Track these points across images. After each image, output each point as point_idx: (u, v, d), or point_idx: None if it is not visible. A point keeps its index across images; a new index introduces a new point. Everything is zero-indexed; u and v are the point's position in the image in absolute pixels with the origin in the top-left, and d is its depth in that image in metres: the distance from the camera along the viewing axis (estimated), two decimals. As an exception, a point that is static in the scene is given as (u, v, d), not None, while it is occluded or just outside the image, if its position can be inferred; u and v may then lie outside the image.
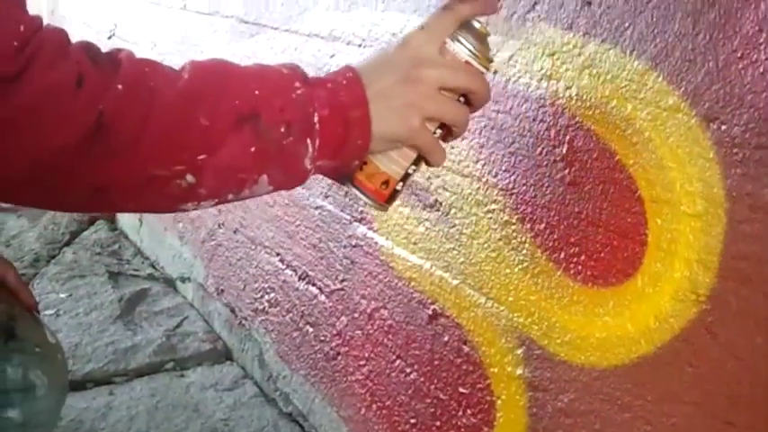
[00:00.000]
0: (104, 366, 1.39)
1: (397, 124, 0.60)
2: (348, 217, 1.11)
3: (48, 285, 1.71)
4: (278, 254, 1.31)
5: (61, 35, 0.53)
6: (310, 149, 0.57)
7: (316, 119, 0.57)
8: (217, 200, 0.58)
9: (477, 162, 0.87)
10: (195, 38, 1.74)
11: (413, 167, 0.63)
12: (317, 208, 1.20)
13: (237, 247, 1.46)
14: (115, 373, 1.38)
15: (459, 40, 0.61)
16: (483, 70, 0.62)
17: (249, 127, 0.55)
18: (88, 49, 0.53)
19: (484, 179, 0.86)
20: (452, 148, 0.91)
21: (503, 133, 0.84)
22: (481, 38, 0.62)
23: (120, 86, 0.52)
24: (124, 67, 0.53)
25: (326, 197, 1.17)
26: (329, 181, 1.17)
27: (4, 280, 0.91)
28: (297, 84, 0.58)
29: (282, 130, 0.56)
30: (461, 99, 0.62)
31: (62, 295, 1.66)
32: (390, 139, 0.61)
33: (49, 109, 0.50)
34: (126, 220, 2.15)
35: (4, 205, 2.44)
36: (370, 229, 1.06)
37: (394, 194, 0.63)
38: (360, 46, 1.10)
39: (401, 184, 0.63)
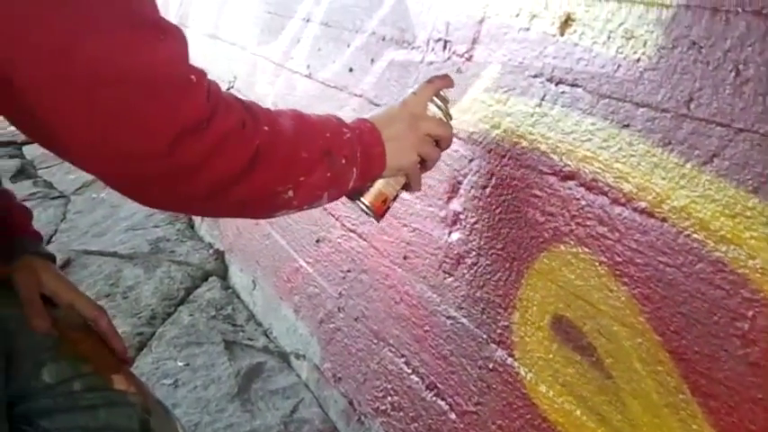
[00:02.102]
0: (224, 453, 1.45)
1: (402, 158, 0.92)
2: (485, 336, 1.11)
3: (165, 350, 1.81)
4: (403, 355, 1.32)
5: (219, 86, 0.72)
6: (354, 175, 0.87)
7: (358, 154, 0.86)
8: (297, 210, 0.83)
9: (640, 314, 0.86)
10: (321, 109, 1.78)
11: (401, 190, 0.98)
12: (449, 317, 1.20)
13: (358, 336, 1.49)
14: (234, 460, 1.44)
15: (435, 103, 0.98)
16: (447, 123, 0.98)
17: (327, 159, 0.82)
18: (237, 98, 0.75)
19: (648, 335, 0.84)
20: (611, 291, 0.90)
21: (672, 290, 0.82)
22: (446, 102, 0.99)
23: (266, 128, 0.75)
24: (261, 113, 0.77)
25: (460, 308, 1.18)
26: (463, 292, 1.18)
27: (96, 325, 0.97)
28: (345, 129, 0.87)
29: (343, 161, 0.84)
30: (434, 142, 0.96)
31: (180, 363, 1.74)
32: (396, 168, 0.93)
33: (227, 145, 0.70)
34: (239, 279, 2.24)
35: (121, 252, 2.60)
36: (510, 355, 1.06)
37: (387, 210, 0.98)
38: (503, 157, 1.11)
39: (392, 202, 0.98)
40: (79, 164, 0.69)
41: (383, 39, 1.54)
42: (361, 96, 1.61)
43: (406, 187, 0.98)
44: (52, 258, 1.05)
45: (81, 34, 0.60)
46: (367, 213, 0.96)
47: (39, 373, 0.90)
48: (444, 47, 1.31)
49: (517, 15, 1.12)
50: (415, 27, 1.42)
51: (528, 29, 1.10)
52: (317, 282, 1.71)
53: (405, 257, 1.36)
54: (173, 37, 0.67)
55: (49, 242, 2.63)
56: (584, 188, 0.96)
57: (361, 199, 0.95)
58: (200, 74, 0.69)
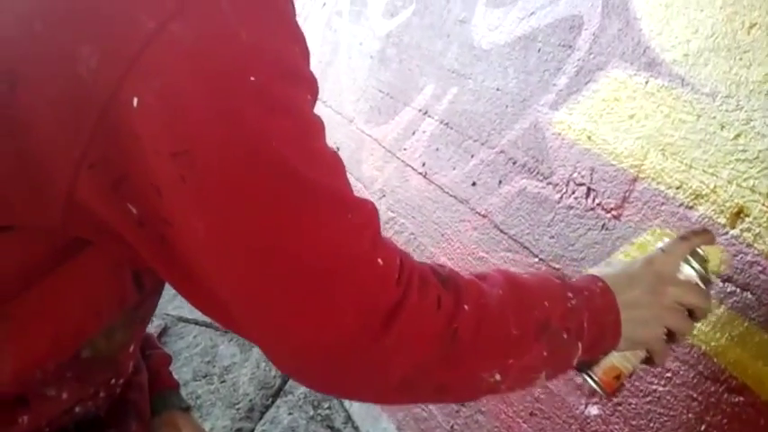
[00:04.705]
0: None
1: (643, 331, 0.79)
2: None
3: (266, 457, 1.85)
4: None
5: (410, 256, 0.66)
6: (579, 350, 0.75)
7: (585, 324, 0.74)
8: (507, 392, 0.75)
9: None
10: (436, 216, 1.80)
11: (640, 365, 0.84)
12: (583, 499, 1.18)
13: (473, 481, 1.49)
14: None
15: (690, 264, 0.83)
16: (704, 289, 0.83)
17: (544, 334, 0.71)
18: (434, 270, 0.67)
19: None
20: None
21: None
22: (704, 263, 0.84)
23: (466, 307, 0.66)
24: (462, 285, 0.68)
25: (597, 494, 1.16)
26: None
27: None
28: (569, 294, 0.74)
29: (565, 336, 0.73)
30: (686, 312, 0.82)
31: (281, 476, 1.78)
32: (635, 342, 0.79)
33: (419, 332, 0.63)
34: (336, 370, 2.26)
35: (216, 324, 2.68)
36: None
37: (621, 387, 0.85)
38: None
39: (628, 378, 0.84)
40: (261, 349, 0.65)
41: (513, 162, 1.54)
42: (485, 217, 1.61)
43: (647, 361, 0.84)
44: (189, 407, 1.09)
45: (259, 206, 0.57)
46: (594, 388, 0.84)
47: None
48: (587, 194, 1.30)
49: (678, 188, 1.10)
50: (552, 161, 1.41)
51: (691, 207, 1.08)
52: (425, 404, 1.71)
53: (531, 414, 1.34)
54: (361, 214, 0.62)
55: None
56: (754, 410, 0.93)
57: (589, 372, 0.83)
58: (390, 253, 0.63)
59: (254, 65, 0.55)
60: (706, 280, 0.84)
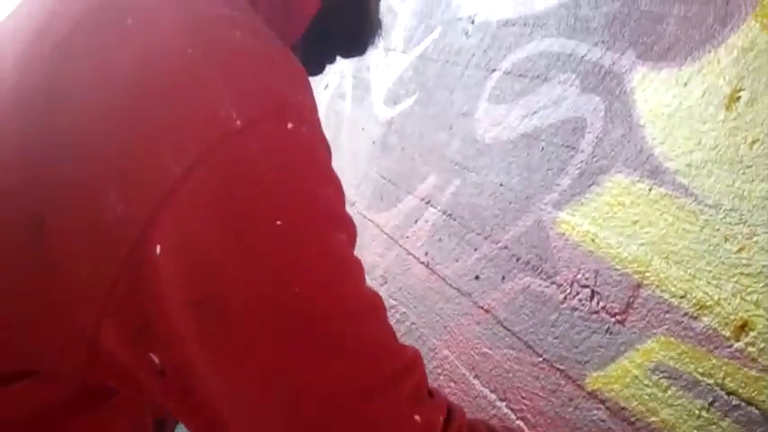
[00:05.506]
0: None
1: None
2: None
3: None
4: None
5: (460, 410, 0.63)
6: None
7: None
8: None
9: None
10: (438, 307, 1.82)
11: None
12: None
13: None
14: None
15: None
16: None
17: None
18: (490, 429, 0.65)
19: None
20: None
21: None
22: None
23: None
24: None
25: None
26: None
27: None
28: None
29: None
30: None
31: None
32: None
33: None
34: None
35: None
36: None
37: None
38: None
39: None
40: None
41: (517, 259, 1.57)
42: (488, 312, 1.63)
43: None
44: None
45: (282, 359, 0.55)
46: None
47: None
48: (591, 297, 1.33)
49: (682, 297, 1.13)
50: (556, 260, 1.44)
51: (695, 317, 1.10)
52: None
53: None
54: (398, 365, 0.59)
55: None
56: None
57: None
58: (432, 408, 0.60)
59: (280, 209, 0.54)
60: None
